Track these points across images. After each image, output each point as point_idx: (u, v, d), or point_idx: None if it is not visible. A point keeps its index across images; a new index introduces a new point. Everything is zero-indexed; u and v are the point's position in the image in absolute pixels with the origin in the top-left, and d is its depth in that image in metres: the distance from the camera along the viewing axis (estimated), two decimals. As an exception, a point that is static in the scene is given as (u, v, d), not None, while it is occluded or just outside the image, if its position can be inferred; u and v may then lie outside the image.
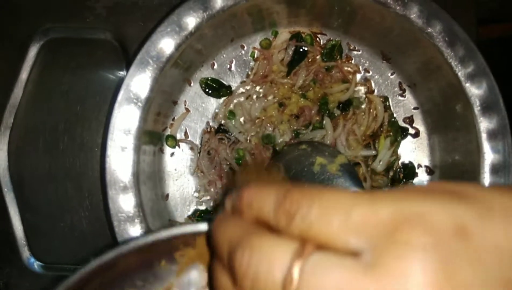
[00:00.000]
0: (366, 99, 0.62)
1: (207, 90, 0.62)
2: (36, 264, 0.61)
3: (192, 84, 0.62)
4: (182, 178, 0.62)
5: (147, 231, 0.52)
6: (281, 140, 0.61)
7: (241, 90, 0.62)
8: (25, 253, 0.61)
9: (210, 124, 0.62)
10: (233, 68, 0.63)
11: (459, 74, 0.52)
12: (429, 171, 0.62)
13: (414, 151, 0.62)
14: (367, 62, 0.63)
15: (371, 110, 0.62)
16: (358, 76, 0.63)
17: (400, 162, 0.62)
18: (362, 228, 0.21)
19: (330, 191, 0.22)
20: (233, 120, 0.61)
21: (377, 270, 0.20)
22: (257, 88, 0.62)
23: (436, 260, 0.19)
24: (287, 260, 0.21)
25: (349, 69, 0.62)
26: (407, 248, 0.20)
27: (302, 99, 0.61)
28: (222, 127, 0.62)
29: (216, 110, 0.62)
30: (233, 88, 0.62)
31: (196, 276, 0.36)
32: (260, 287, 0.22)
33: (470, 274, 0.19)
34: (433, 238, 0.20)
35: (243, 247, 0.23)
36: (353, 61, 0.63)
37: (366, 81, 0.63)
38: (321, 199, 0.22)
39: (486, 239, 0.20)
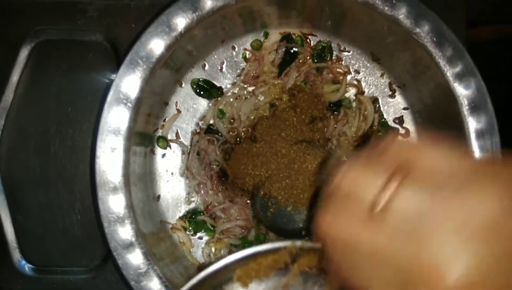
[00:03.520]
0: (356, 100, 0.63)
1: (198, 91, 0.62)
2: (27, 267, 0.61)
3: (183, 85, 0.62)
4: (173, 179, 0.62)
5: (138, 232, 0.52)
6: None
7: (232, 91, 0.62)
8: (16, 255, 0.61)
9: (200, 125, 0.62)
10: (224, 69, 0.63)
11: (447, 74, 0.53)
12: (420, 171, 0.62)
13: (404, 151, 0.62)
14: (357, 63, 0.63)
15: (362, 111, 0.62)
16: (349, 77, 0.63)
17: (390, 162, 0.62)
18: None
19: None
20: (223, 119, 0.62)
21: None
22: (249, 88, 0.62)
23: None
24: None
25: (339, 70, 0.63)
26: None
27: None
28: (211, 128, 0.62)
29: (205, 112, 0.62)
30: (224, 89, 0.63)
31: None
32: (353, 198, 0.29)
33: None
34: None
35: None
36: (343, 62, 0.63)
37: (356, 82, 0.63)
38: None
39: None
